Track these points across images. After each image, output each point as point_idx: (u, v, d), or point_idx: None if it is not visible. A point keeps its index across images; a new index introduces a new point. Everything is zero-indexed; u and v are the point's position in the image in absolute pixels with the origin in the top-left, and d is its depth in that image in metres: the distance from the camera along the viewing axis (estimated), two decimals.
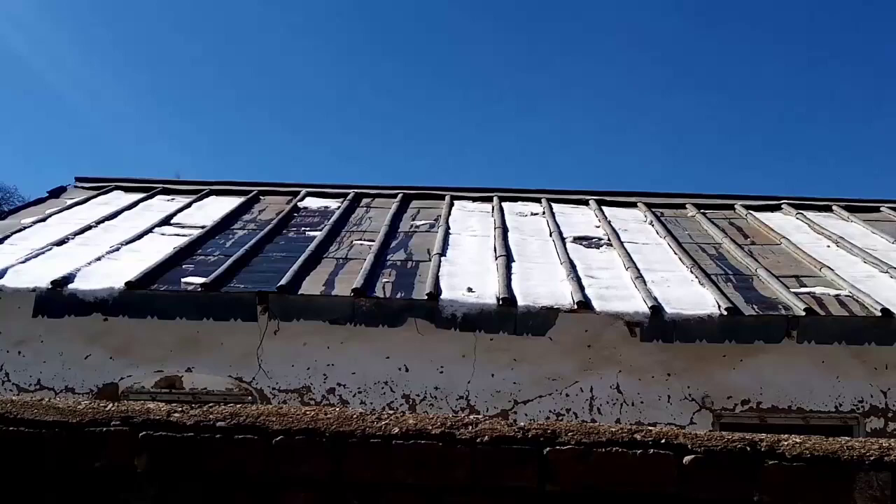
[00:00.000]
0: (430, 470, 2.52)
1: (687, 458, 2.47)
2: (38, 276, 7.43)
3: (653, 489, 2.47)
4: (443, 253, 8.44)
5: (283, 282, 7.29)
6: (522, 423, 2.56)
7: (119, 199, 10.79)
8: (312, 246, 8.50)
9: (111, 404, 2.65)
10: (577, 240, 9.25)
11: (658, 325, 7.07)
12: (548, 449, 2.51)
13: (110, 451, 2.59)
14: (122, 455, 2.59)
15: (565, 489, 2.50)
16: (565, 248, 8.72)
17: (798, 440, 2.49)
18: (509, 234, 9.32)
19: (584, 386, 7.40)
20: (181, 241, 8.65)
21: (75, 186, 11.39)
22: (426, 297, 7.18)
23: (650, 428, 2.54)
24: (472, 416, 2.60)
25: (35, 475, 2.63)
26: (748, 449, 2.46)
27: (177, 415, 2.62)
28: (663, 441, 2.49)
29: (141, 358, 7.44)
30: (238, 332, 7.38)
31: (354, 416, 2.61)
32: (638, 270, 7.99)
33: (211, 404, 2.68)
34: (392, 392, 7.41)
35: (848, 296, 7.50)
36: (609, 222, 9.95)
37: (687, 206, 10.90)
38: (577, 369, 7.43)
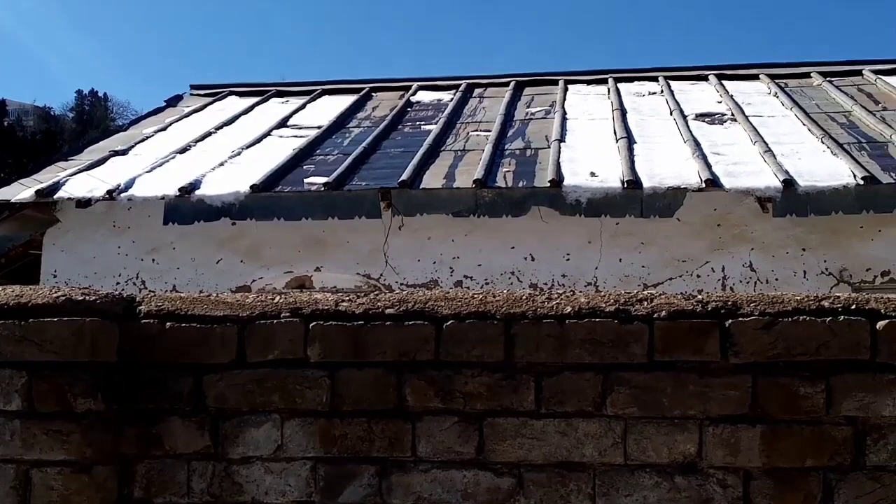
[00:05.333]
0: (607, 348, 2.46)
1: (881, 324, 2.35)
2: (165, 183, 7.55)
3: (844, 357, 2.37)
4: (562, 139, 8.26)
5: (403, 177, 7.26)
6: (700, 296, 2.47)
7: (234, 104, 10.86)
8: (429, 139, 8.42)
9: (279, 297, 2.65)
10: (699, 117, 8.95)
11: (791, 199, 6.85)
12: (730, 321, 2.41)
13: (282, 342, 2.59)
14: (294, 346, 2.59)
15: (750, 361, 2.41)
16: (687, 126, 8.45)
17: None
18: (628, 115, 9.07)
19: (716, 266, 7.23)
20: (300, 143, 8.67)
21: (191, 94, 11.50)
22: (549, 184, 7.06)
23: (837, 295, 2.42)
24: (647, 292, 2.51)
25: (208, 369, 2.66)
26: None
27: (345, 304, 2.60)
28: (853, 307, 2.37)
29: (270, 260, 7.54)
30: (363, 230, 7.40)
31: (524, 297, 2.55)
32: (766, 144, 7.71)
33: (377, 292, 2.65)
34: (519, 282, 7.36)
35: None
36: (731, 97, 9.59)
37: (811, 74, 10.42)
38: (708, 249, 7.26)
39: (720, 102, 9.52)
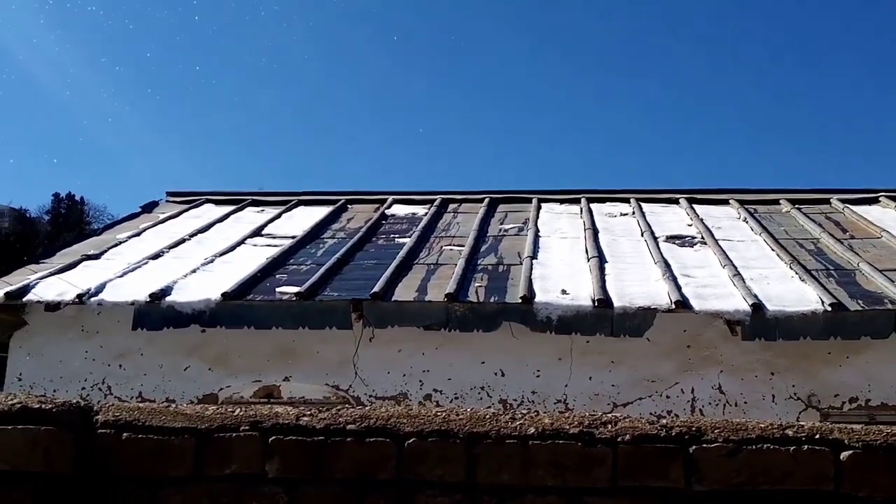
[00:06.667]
0: (570, 471, 2.43)
1: (844, 454, 2.34)
2: (136, 289, 7.50)
3: (808, 487, 2.35)
4: (534, 256, 8.33)
5: (376, 289, 7.26)
6: (665, 421, 2.45)
7: (210, 211, 10.91)
8: (403, 252, 8.47)
9: (239, 409, 2.61)
10: (670, 239, 9.06)
11: (760, 323, 6.88)
12: (694, 447, 2.40)
13: (240, 456, 2.55)
14: (252, 461, 2.54)
15: (713, 488, 2.38)
16: (658, 248, 8.54)
17: None
18: (600, 235, 9.17)
19: (685, 387, 7.23)
20: (273, 252, 8.68)
21: (167, 201, 11.55)
22: (520, 301, 7.08)
23: (801, 424, 2.41)
24: (610, 415, 2.50)
25: (164, 483, 2.60)
26: None
27: (306, 418, 2.56)
28: (818, 436, 2.36)
29: (239, 368, 7.47)
30: (333, 340, 7.37)
31: (487, 416, 2.53)
32: (735, 268, 7.79)
33: (339, 407, 2.62)
34: (489, 397, 7.32)
35: None
36: (701, 220, 9.74)
37: (780, 201, 10.62)
38: (677, 370, 7.26)
39: (690, 225, 9.65)
